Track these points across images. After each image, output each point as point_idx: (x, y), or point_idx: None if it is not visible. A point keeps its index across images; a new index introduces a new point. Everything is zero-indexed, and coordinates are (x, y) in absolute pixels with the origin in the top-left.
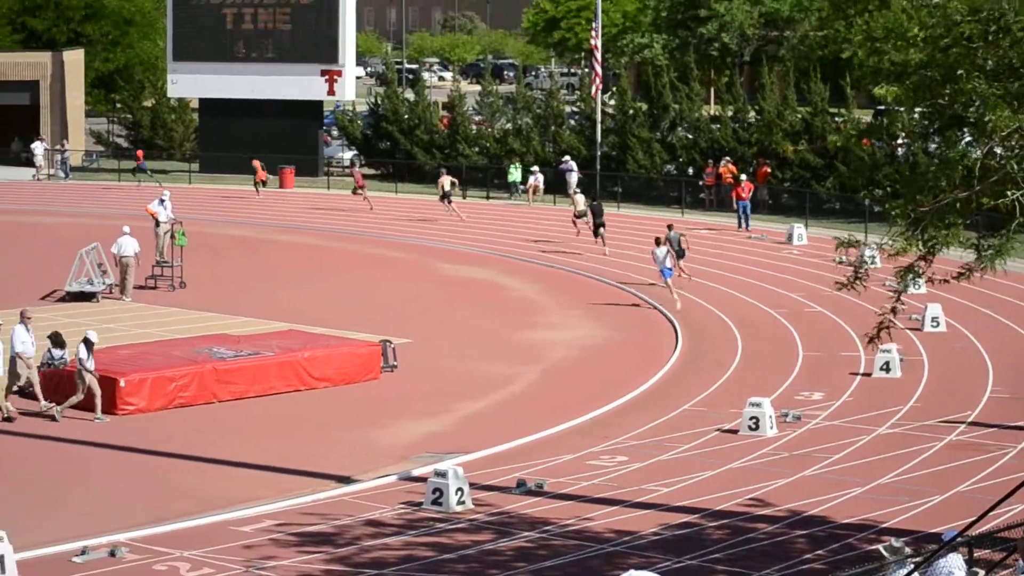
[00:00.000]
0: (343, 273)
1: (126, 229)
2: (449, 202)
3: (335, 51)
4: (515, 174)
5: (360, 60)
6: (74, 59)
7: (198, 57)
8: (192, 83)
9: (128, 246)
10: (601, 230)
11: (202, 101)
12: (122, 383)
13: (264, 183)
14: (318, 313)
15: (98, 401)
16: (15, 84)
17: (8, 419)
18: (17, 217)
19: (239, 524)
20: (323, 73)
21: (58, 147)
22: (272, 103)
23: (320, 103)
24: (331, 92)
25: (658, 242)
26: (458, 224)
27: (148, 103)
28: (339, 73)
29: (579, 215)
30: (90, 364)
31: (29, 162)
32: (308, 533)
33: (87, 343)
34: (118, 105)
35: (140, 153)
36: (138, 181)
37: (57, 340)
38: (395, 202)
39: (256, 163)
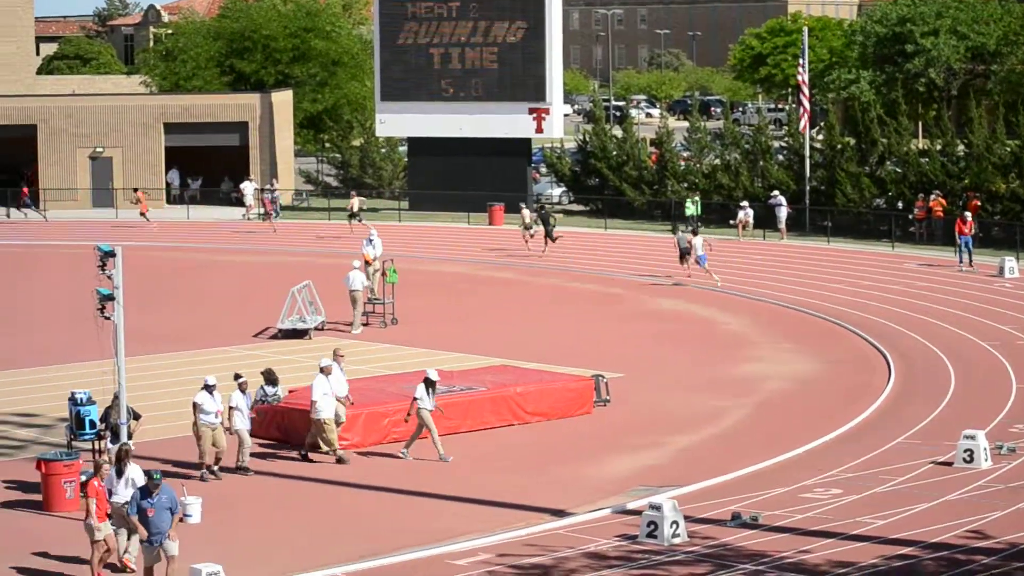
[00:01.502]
0: (553, 308)
1: (356, 264)
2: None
3: (542, 89)
4: (692, 208)
5: (567, 98)
6: (283, 100)
7: (406, 97)
8: (400, 122)
9: (356, 280)
10: (552, 232)
11: (410, 140)
12: None
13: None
14: (530, 348)
15: (435, 438)
16: (225, 125)
17: (341, 461)
18: (228, 257)
19: (454, 557)
20: (531, 111)
21: (267, 187)
22: (480, 141)
23: (528, 140)
24: (539, 130)
25: (695, 233)
26: (671, 259)
27: (357, 142)
28: (547, 111)
29: (527, 227)
30: (428, 403)
31: (239, 202)
32: (525, 565)
33: (428, 382)
34: (327, 145)
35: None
36: (354, 221)
37: (270, 377)
38: (603, 238)
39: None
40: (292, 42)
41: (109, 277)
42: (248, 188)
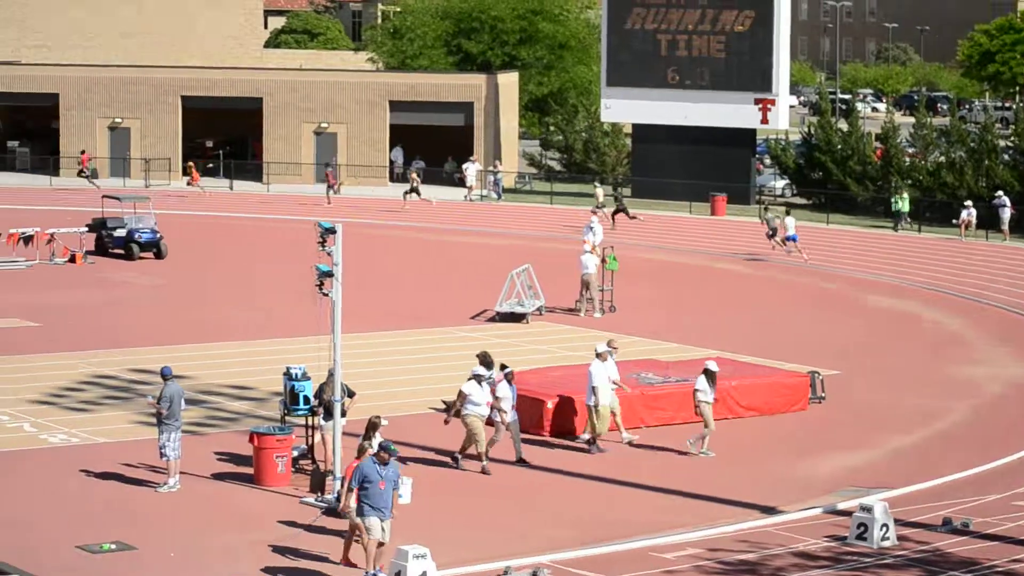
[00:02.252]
0: (770, 302)
1: (586, 247)
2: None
3: (769, 80)
4: (900, 204)
5: (793, 89)
6: (509, 82)
7: (631, 83)
8: (625, 108)
9: (589, 263)
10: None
11: (635, 126)
12: (549, 405)
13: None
14: (746, 341)
15: (706, 431)
16: (450, 105)
17: (593, 446)
18: (448, 237)
19: (661, 551)
20: (756, 101)
21: (490, 168)
22: (704, 130)
23: (753, 131)
24: (764, 121)
25: (787, 212)
26: (892, 256)
27: (581, 127)
28: (772, 102)
29: (600, 205)
30: (708, 396)
31: (461, 182)
32: (732, 562)
33: (708, 374)
34: (551, 128)
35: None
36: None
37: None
38: (825, 233)
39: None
40: (520, 24)
41: (329, 254)
42: (471, 169)
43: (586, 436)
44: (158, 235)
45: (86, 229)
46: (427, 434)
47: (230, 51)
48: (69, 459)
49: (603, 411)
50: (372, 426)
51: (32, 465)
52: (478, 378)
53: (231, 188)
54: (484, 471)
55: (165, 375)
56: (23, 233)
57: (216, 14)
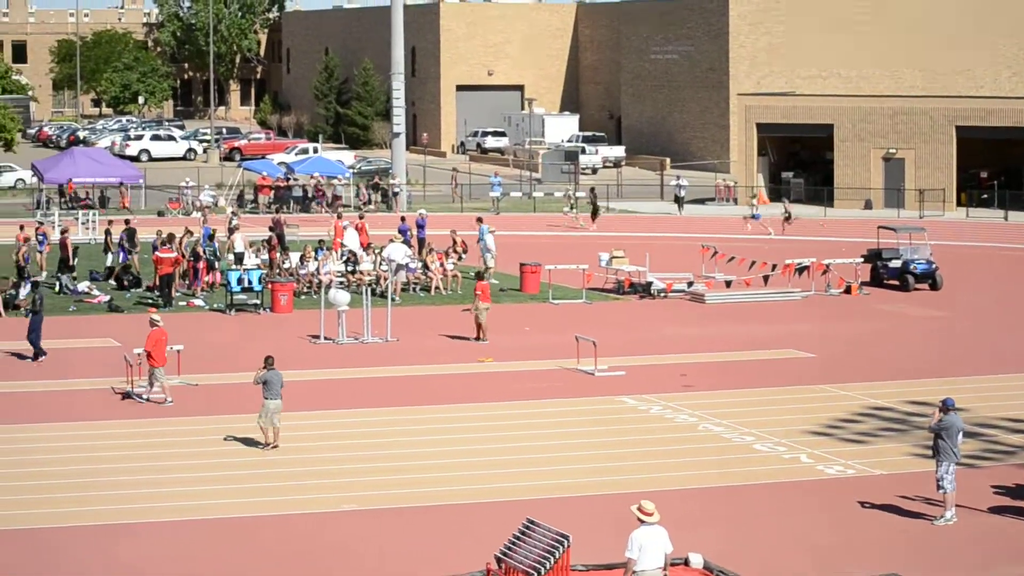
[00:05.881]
0: None
1: None
2: None
3: None
4: None
5: None
6: None
7: None
8: None
9: None
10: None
11: None
12: None
13: None
14: None
15: None
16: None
17: None
18: None
19: None
20: None
21: None
22: None
23: None
24: None
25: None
26: None
27: None
28: None
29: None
30: None
31: None
32: None
33: None
34: None
35: None
36: None
37: None
38: None
39: None
40: None
41: None
42: None
43: None
44: (933, 265)
45: (861, 260)
46: None
47: (1005, 81)
48: (844, 490)
49: None
50: None
51: (807, 495)
52: None
53: (1005, 219)
54: None
55: (948, 406)
56: (799, 264)
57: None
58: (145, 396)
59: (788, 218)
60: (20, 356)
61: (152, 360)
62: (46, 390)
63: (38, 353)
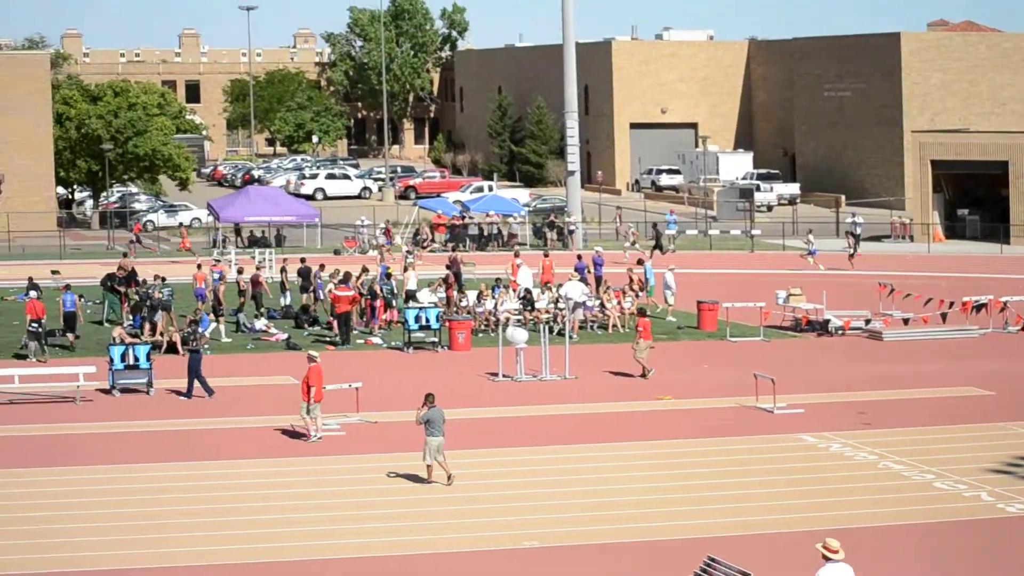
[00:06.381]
0: None
1: None
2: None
3: None
4: None
5: None
6: None
7: None
8: None
9: None
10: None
11: None
12: None
13: None
14: None
15: None
16: None
17: None
18: None
19: None
20: None
21: None
22: None
23: None
24: None
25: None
26: None
27: None
28: None
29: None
30: None
31: None
32: None
33: None
34: None
35: None
36: None
37: None
38: None
39: None
40: None
41: None
42: None
43: None
44: None
45: None
46: None
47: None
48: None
49: None
50: None
51: (989, 534)
52: None
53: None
54: None
55: None
56: (976, 301)
57: None
58: (318, 434)
59: (852, 256)
60: (194, 395)
61: (314, 395)
62: (228, 427)
63: (192, 391)
